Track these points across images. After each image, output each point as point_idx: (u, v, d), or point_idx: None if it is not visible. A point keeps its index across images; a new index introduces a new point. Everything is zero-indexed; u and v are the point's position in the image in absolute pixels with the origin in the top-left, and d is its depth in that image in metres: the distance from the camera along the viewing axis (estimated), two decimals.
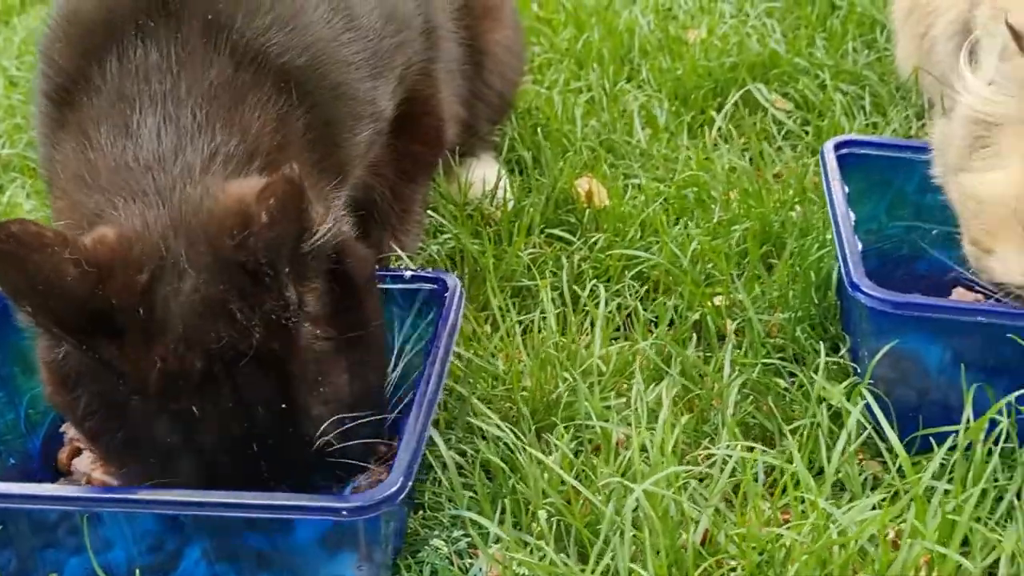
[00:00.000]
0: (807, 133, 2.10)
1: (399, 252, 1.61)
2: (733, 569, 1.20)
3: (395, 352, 1.30)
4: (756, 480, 1.28)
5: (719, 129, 2.10)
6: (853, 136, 1.70)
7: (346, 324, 1.19)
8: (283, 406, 1.12)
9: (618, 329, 1.61)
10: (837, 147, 1.59)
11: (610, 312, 1.63)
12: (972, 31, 1.74)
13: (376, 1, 1.49)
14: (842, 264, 1.34)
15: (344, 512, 1.07)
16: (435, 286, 1.38)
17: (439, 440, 1.30)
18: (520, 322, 1.61)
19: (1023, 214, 1.28)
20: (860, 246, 1.39)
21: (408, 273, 1.39)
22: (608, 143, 2.04)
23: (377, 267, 1.38)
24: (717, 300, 1.64)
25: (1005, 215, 1.29)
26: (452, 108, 1.73)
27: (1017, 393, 1.25)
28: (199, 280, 1.11)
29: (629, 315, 1.65)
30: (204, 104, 1.22)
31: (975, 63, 1.36)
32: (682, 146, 2.04)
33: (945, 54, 1.88)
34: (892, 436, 1.27)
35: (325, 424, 1.13)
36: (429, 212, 1.84)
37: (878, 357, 1.31)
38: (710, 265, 1.69)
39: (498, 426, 1.33)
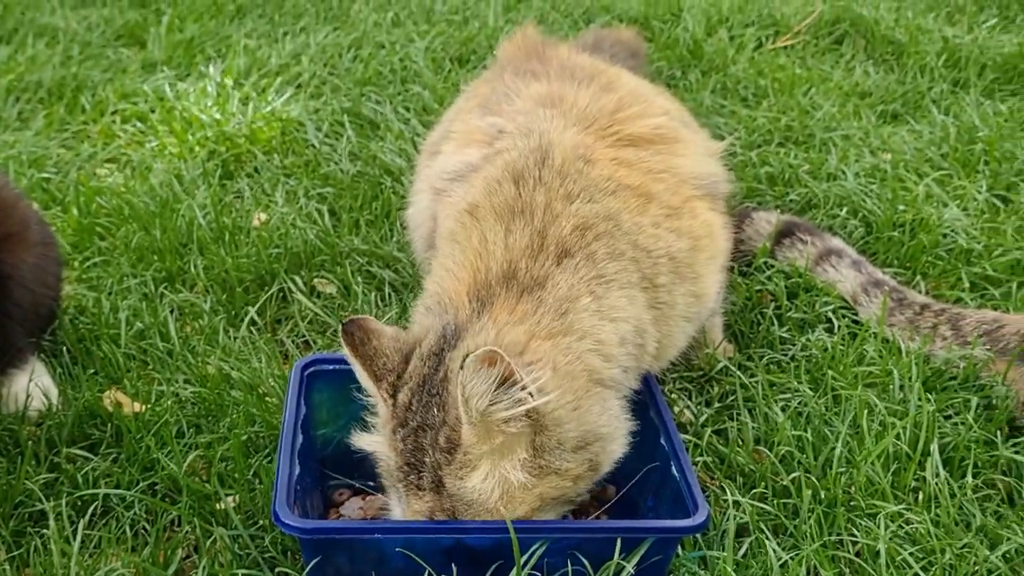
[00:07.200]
0: (342, 319, 2.33)
1: None
2: None
3: None
4: None
5: (254, 323, 2.31)
6: (321, 355, 1.94)
7: None
8: None
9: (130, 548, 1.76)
10: (305, 367, 1.83)
11: (119, 532, 1.78)
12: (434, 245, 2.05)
13: None
14: (274, 491, 1.55)
15: None
16: None
17: None
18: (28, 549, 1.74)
19: (387, 467, 1.59)
20: (298, 470, 1.61)
21: None
22: (144, 348, 2.20)
23: None
24: (229, 501, 1.82)
25: (385, 467, 1.59)
26: None
27: None
28: None
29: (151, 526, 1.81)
30: None
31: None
32: (218, 345, 2.22)
33: (427, 260, 2.18)
34: None
35: None
36: None
37: (307, 572, 1.53)
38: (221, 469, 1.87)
39: None
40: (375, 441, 1.59)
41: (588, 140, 1.88)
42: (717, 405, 2.10)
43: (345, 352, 1.59)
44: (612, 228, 1.72)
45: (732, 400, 2.11)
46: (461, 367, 1.45)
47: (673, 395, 2.12)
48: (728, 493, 1.82)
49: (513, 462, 1.51)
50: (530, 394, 1.48)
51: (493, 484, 1.51)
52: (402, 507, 1.57)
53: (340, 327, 1.60)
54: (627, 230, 1.74)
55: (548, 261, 1.66)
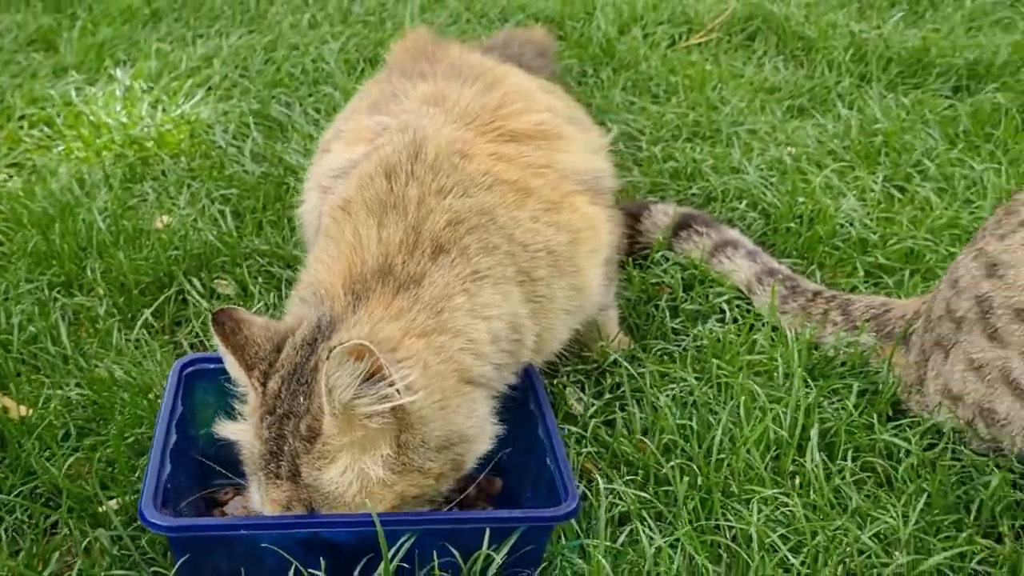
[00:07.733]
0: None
1: None
2: None
3: None
4: None
5: (151, 325, 2.30)
6: (202, 354, 1.94)
7: None
8: None
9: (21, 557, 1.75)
10: (185, 366, 1.83)
11: None
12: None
13: None
14: (142, 490, 1.55)
15: None
16: None
17: None
18: None
19: (251, 455, 1.59)
20: (169, 468, 1.61)
21: None
22: (35, 352, 2.19)
23: None
24: (112, 503, 1.82)
25: (249, 455, 1.60)
26: None
27: None
28: None
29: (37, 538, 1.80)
30: None
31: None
32: (112, 348, 2.21)
33: None
34: None
35: None
36: None
37: (175, 570, 1.53)
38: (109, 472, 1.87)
39: None
40: (240, 429, 1.60)
41: (467, 136, 1.90)
42: (608, 396, 2.12)
43: (216, 342, 1.60)
44: (486, 222, 1.73)
45: (622, 391, 2.13)
46: (327, 357, 1.46)
47: (567, 388, 2.14)
48: (603, 482, 1.84)
49: (375, 457, 1.52)
50: (397, 391, 1.49)
51: (352, 478, 1.51)
52: (261, 495, 1.57)
53: (211, 318, 1.60)
54: (502, 224, 1.76)
55: (424, 258, 1.67)
